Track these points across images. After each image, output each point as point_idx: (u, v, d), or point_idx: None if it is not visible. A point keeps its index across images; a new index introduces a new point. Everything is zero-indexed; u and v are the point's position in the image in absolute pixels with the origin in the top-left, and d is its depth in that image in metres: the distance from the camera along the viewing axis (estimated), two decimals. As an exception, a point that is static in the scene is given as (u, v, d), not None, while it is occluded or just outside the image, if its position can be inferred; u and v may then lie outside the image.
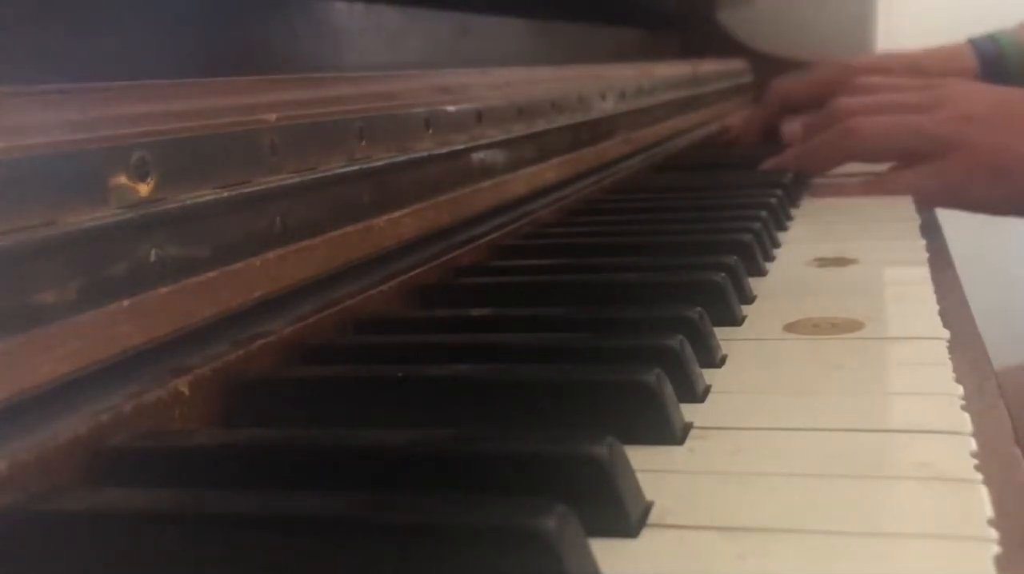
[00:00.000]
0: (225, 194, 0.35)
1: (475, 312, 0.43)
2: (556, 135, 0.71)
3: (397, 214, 0.47)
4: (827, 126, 0.84)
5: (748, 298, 0.48)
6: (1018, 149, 0.76)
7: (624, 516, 0.25)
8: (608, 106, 0.85)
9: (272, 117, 0.38)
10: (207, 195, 0.34)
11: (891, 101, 0.83)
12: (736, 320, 0.44)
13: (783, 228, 0.66)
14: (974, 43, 1.10)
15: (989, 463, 0.27)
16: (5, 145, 0.27)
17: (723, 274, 0.45)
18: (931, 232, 0.64)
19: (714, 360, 0.38)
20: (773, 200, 0.67)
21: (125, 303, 0.30)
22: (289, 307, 0.39)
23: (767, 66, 1.62)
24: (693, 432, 0.31)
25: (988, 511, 0.25)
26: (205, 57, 0.46)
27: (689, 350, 0.35)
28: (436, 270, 0.50)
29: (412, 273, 0.47)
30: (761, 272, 0.53)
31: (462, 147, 0.55)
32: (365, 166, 0.44)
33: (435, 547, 0.21)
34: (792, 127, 1.04)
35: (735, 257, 0.49)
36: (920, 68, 1.05)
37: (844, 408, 0.33)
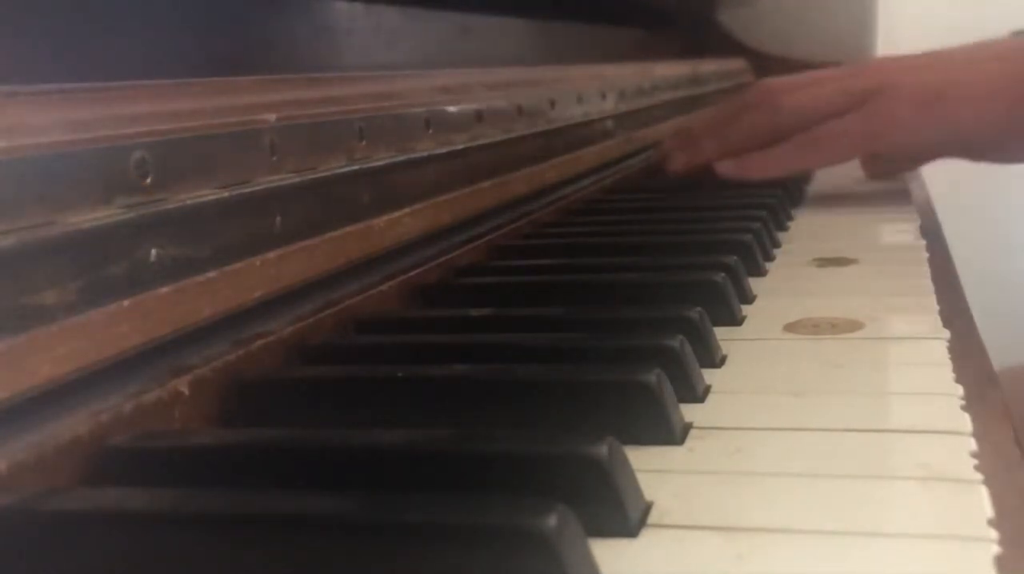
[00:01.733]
0: (225, 194, 0.35)
1: (475, 312, 0.43)
2: (555, 135, 0.71)
3: (397, 214, 0.47)
4: (751, 108, 0.81)
5: (748, 298, 0.48)
6: (944, 77, 0.74)
7: (624, 516, 0.25)
8: (608, 106, 0.85)
9: (272, 117, 0.38)
10: (207, 195, 0.34)
11: (813, 77, 0.81)
12: (736, 320, 0.44)
13: (783, 228, 0.66)
14: None
15: (989, 463, 0.27)
16: (5, 145, 0.27)
17: (723, 274, 0.45)
18: (931, 232, 0.64)
19: (714, 360, 0.38)
20: (773, 200, 0.67)
21: (125, 303, 0.30)
22: (289, 307, 0.39)
23: (767, 66, 1.62)
24: (693, 432, 0.31)
25: (988, 511, 0.25)
26: (205, 57, 0.46)
27: (689, 350, 0.35)
28: (436, 270, 0.50)
29: (412, 273, 0.47)
30: (761, 272, 0.53)
31: (462, 147, 0.55)
32: (365, 166, 0.44)
33: (435, 547, 0.21)
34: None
35: (735, 257, 0.49)
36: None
37: (844, 408, 0.32)
